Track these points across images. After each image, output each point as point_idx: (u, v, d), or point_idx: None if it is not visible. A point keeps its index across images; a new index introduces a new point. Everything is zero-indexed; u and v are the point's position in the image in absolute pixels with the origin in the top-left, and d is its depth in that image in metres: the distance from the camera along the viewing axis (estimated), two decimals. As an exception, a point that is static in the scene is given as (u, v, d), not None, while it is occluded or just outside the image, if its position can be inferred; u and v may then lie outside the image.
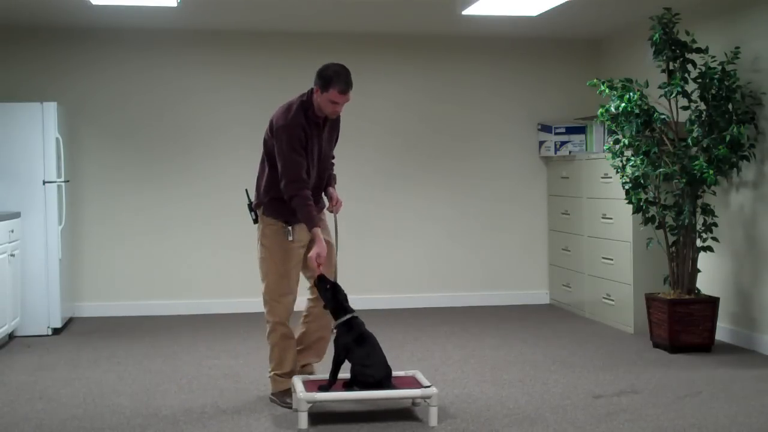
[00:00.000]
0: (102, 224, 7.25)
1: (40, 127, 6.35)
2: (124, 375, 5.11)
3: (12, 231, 6.04)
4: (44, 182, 6.37)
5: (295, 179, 4.28)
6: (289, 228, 4.36)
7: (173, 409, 4.37)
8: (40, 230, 6.37)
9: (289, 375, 4.45)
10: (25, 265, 6.34)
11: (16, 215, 6.17)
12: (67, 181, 6.74)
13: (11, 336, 6.27)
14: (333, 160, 4.69)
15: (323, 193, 4.62)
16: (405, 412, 4.28)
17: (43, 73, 7.14)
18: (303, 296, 4.60)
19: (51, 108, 6.37)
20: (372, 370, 4.12)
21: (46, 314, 6.35)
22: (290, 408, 4.31)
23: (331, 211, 4.57)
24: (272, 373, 4.49)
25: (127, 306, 7.27)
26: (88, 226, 7.23)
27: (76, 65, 7.19)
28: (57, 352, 5.79)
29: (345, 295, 4.27)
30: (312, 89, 4.37)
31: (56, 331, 6.45)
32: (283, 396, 4.44)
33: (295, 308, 4.52)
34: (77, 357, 5.63)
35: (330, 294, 4.24)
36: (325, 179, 4.58)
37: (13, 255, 6.06)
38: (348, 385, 4.19)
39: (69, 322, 6.88)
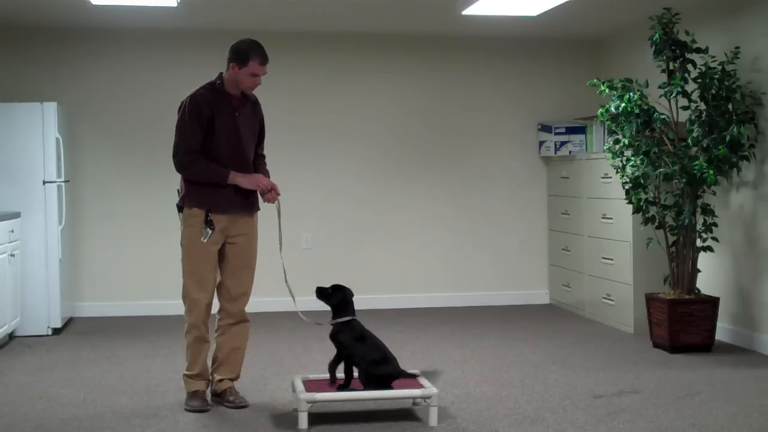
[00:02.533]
0: (102, 224, 7.25)
1: (40, 127, 6.35)
2: (124, 375, 5.11)
3: (12, 231, 6.04)
4: (44, 182, 6.37)
5: (189, 150, 4.24)
6: (208, 230, 4.27)
7: (173, 409, 4.37)
8: (40, 230, 6.37)
9: (198, 377, 4.39)
10: (25, 265, 6.34)
11: (16, 215, 6.17)
12: (67, 181, 6.74)
13: (11, 336, 6.27)
14: (264, 160, 4.59)
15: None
16: (405, 412, 4.28)
17: (43, 73, 7.14)
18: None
19: (51, 108, 6.37)
20: (385, 367, 4.10)
21: (46, 314, 6.35)
22: (192, 411, 4.28)
23: (266, 201, 4.38)
24: (183, 372, 4.46)
25: (127, 306, 7.27)
26: (88, 226, 7.23)
27: (76, 65, 7.20)
28: (57, 352, 5.79)
29: (348, 296, 4.24)
30: (221, 73, 4.35)
31: (56, 331, 6.45)
32: (189, 398, 4.38)
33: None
34: (77, 357, 5.63)
35: (329, 296, 4.21)
36: (248, 168, 4.37)
37: (13, 255, 6.06)
38: (342, 387, 4.18)
39: (69, 322, 6.88)
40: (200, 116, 4.24)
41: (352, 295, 4.26)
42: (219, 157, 4.28)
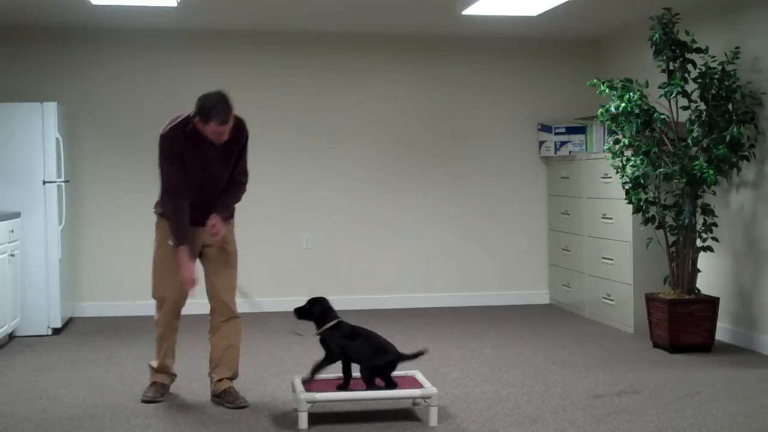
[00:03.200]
0: (102, 224, 7.25)
1: (40, 127, 6.35)
2: (124, 375, 5.11)
3: (12, 231, 6.04)
4: (44, 182, 6.37)
5: (169, 190, 4.36)
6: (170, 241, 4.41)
7: (173, 409, 4.37)
8: (40, 230, 6.37)
9: (157, 371, 4.59)
10: (25, 265, 6.34)
11: (16, 215, 6.17)
12: (67, 181, 6.74)
13: (11, 336, 6.27)
14: (243, 186, 4.56)
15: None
16: (405, 412, 4.28)
17: (43, 73, 7.14)
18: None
19: (51, 108, 6.37)
20: (383, 356, 4.11)
21: (46, 314, 6.35)
22: (146, 401, 4.45)
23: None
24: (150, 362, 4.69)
25: (127, 306, 7.26)
26: (88, 226, 7.24)
27: (76, 65, 7.20)
28: (57, 352, 5.79)
29: (327, 304, 4.26)
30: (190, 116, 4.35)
31: (56, 331, 6.45)
32: (148, 388, 4.57)
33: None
34: (77, 357, 5.63)
35: (309, 310, 4.24)
36: (215, 201, 4.45)
37: (13, 255, 6.06)
38: (341, 387, 4.19)
39: (69, 322, 6.88)
40: (174, 155, 4.31)
41: (329, 301, 4.28)
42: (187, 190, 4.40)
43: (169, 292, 4.49)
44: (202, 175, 4.37)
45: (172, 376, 4.68)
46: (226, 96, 4.31)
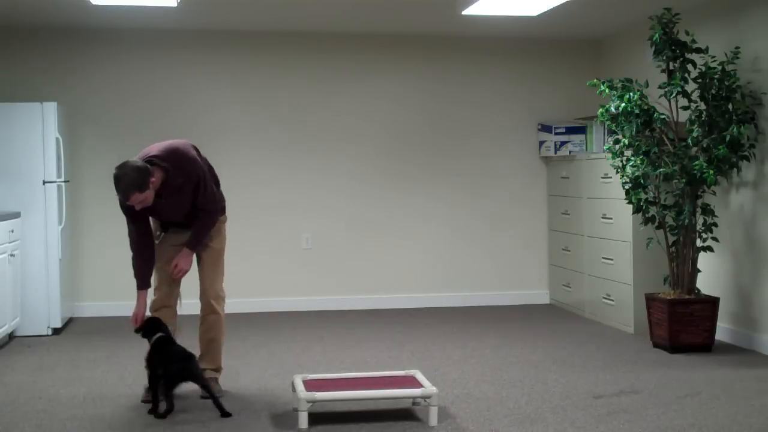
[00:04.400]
0: (102, 224, 7.25)
1: (40, 127, 6.35)
2: (124, 375, 5.11)
3: (12, 231, 6.04)
4: (44, 182, 6.37)
5: (130, 238, 4.62)
6: (157, 233, 4.69)
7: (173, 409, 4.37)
8: (40, 230, 6.37)
9: None
10: (25, 265, 6.34)
11: (16, 215, 6.17)
12: (67, 181, 6.74)
13: (11, 336, 6.27)
14: (212, 214, 4.61)
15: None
16: (405, 412, 4.28)
17: (43, 73, 7.14)
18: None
19: (51, 108, 6.36)
20: (163, 370, 4.21)
21: (46, 314, 6.35)
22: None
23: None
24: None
25: (127, 306, 7.25)
26: (88, 226, 7.24)
27: (76, 65, 7.20)
28: (57, 352, 5.79)
29: (154, 323, 4.42)
30: None
31: (56, 331, 6.45)
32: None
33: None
34: (77, 357, 5.63)
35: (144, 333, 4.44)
36: (184, 219, 4.59)
37: (13, 255, 6.06)
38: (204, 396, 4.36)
39: (69, 322, 6.88)
40: (125, 211, 4.51)
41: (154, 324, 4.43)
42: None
43: (158, 289, 4.75)
44: (162, 213, 4.56)
45: None
46: (122, 175, 4.21)
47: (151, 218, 4.60)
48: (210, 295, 4.71)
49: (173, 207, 4.50)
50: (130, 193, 4.21)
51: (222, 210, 4.73)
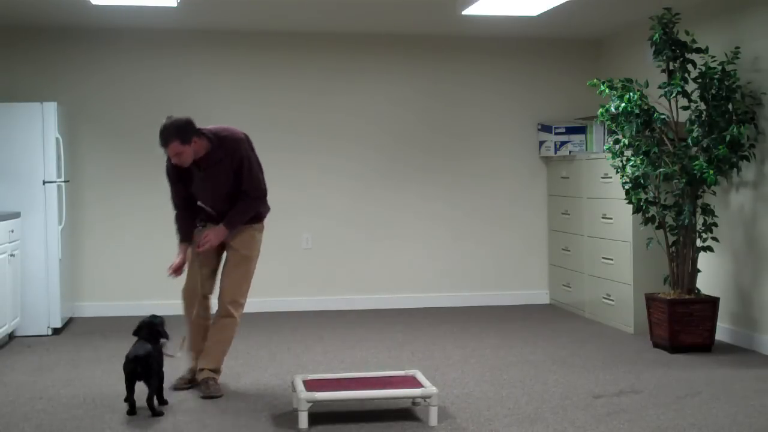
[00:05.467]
0: (102, 224, 7.25)
1: (40, 127, 6.35)
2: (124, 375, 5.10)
3: (12, 231, 6.04)
4: (44, 182, 6.37)
5: (173, 202, 4.84)
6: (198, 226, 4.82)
7: (173, 409, 4.37)
8: (40, 230, 6.37)
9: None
10: (25, 265, 6.34)
11: (16, 215, 6.17)
12: (67, 181, 6.74)
13: (11, 336, 6.27)
14: (250, 200, 4.68)
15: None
16: (405, 412, 4.28)
17: (43, 73, 7.14)
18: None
19: (51, 108, 6.37)
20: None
21: (46, 314, 6.36)
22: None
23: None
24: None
25: (127, 306, 7.27)
26: (88, 226, 7.24)
27: (76, 65, 7.20)
28: (57, 352, 5.80)
29: (146, 324, 4.43)
30: None
31: (56, 331, 6.45)
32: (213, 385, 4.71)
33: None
34: (77, 357, 5.63)
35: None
36: (221, 208, 4.70)
37: (13, 255, 6.06)
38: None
39: (69, 322, 6.88)
40: (170, 177, 4.75)
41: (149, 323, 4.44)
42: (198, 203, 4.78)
43: (191, 290, 4.79)
44: (201, 192, 4.68)
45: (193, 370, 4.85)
46: (168, 123, 4.49)
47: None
48: (227, 299, 4.72)
49: (211, 185, 4.60)
50: (171, 140, 4.43)
51: (263, 202, 4.75)
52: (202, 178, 4.62)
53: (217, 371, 4.73)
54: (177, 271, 4.69)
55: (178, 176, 4.68)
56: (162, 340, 4.43)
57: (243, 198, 4.66)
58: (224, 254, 4.82)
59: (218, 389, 4.63)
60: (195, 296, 4.78)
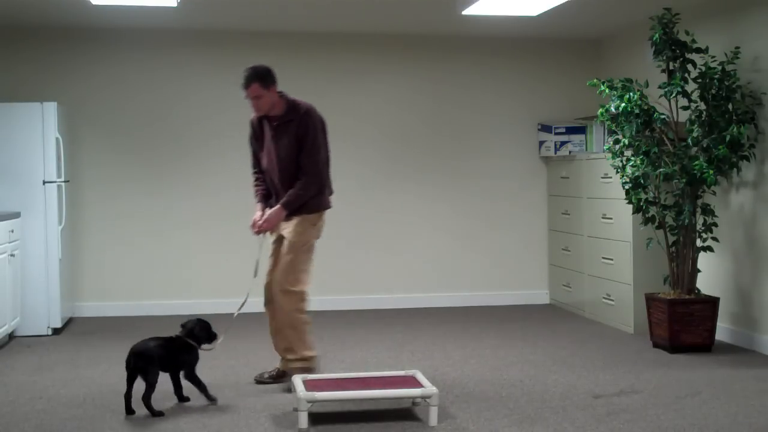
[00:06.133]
0: (102, 224, 7.25)
1: (40, 127, 6.35)
2: (124, 375, 5.09)
3: (12, 231, 6.04)
4: (44, 182, 6.37)
5: (251, 166, 5.01)
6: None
7: (173, 409, 4.37)
8: (40, 230, 6.37)
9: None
10: (25, 265, 6.34)
11: (16, 215, 6.17)
12: (67, 181, 6.74)
13: (11, 336, 6.27)
14: (302, 184, 4.73)
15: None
16: (405, 412, 4.28)
17: (43, 73, 7.14)
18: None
19: (51, 108, 6.37)
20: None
21: (46, 314, 6.36)
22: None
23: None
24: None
25: (127, 306, 7.27)
26: (88, 226, 7.24)
27: (76, 65, 7.20)
28: (57, 352, 5.79)
29: (191, 326, 4.48)
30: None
31: (56, 331, 6.45)
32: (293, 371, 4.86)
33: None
34: (77, 357, 5.63)
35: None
36: (279, 182, 4.79)
37: (13, 255, 6.06)
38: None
39: (69, 322, 6.88)
40: (251, 136, 4.96)
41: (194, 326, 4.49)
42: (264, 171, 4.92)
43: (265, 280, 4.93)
44: (268, 157, 4.80)
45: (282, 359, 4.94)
46: (252, 66, 4.75)
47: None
48: (276, 287, 4.80)
49: (276, 148, 4.72)
50: (252, 81, 4.66)
51: (320, 188, 4.78)
52: (271, 138, 4.76)
53: (302, 359, 4.80)
54: (255, 226, 4.79)
55: (256, 138, 4.87)
56: (203, 345, 4.46)
57: (300, 177, 4.72)
58: None
59: (311, 370, 4.78)
60: (269, 288, 4.88)
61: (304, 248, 4.79)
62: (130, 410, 4.26)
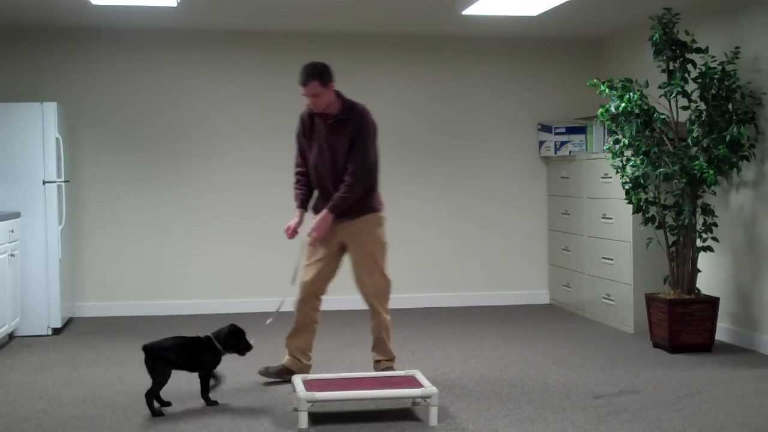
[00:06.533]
0: (102, 224, 7.25)
1: (40, 127, 6.35)
2: (124, 375, 5.11)
3: (12, 231, 6.04)
4: (44, 182, 6.37)
5: (294, 165, 4.95)
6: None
7: (173, 409, 4.37)
8: (40, 230, 6.37)
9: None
10: (25, 265, 6.34)
11: (16, 215, 6.17)
12: (67, 181, 6.74)
13: (11, 336, 6.27)
14: (347, 186, 4.73)
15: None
16: (405, 412, 4.28)
17: (43, 73, 7.14)
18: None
19: (51, 108, 6.37)
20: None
21: (46, 314, 6.36)
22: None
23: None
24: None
25: (127, 306, 7.27)
26: (88, 226, 7.24)
27: (76, 65, 7.20)
28: (57, 352, 5.80)
29: (221, 331, 4.48)
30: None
31: (56, 331, 6.45)
32: None
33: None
34: (77, 357, 5.63)
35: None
36: (331, 181, 4.78)
37: (13, 255, 6.06)
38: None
39: (69, 322, 6.88)
40: (297, 137, 4.91)
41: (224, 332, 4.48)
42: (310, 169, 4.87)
43: (306, 283, 4.88)
44: (318, 155, 4.76)
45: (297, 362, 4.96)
46: (310, 63, 4.73)
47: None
48: (364, 295, 4.90)
49: (329, 146, 4.72)
50: (311, 79, 4.63)
51: (367, 187, 4.81)
52: (324, 136, 4.74)
53: (391, 359, 4.91)
54: (289, 231, 4.78)
55: (304, 135, 4.83)
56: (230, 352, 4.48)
57: (345, 178, 4.71)
58: (342, 255, 4.96)
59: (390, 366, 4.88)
60: (307, 292, 4.86)
61: (383, 250, 4.90)
62: (158, 408, 4.28)
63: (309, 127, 4.83)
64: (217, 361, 4.44)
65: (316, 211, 4.87)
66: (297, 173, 4.91)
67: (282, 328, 6.48)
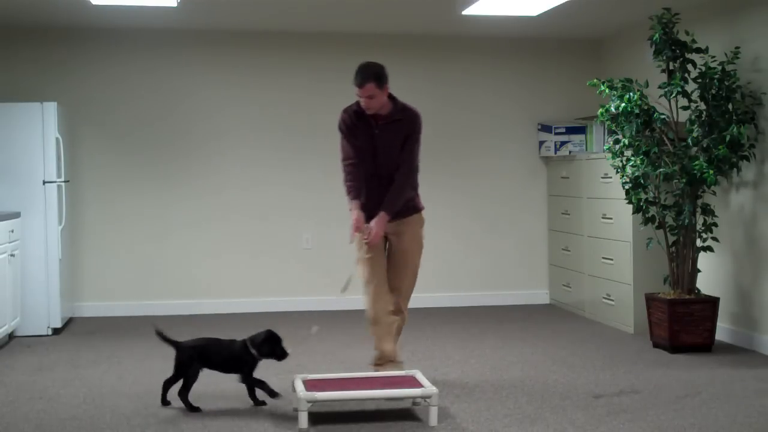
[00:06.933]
0: (102, 224, 7.25)
1: (40, 127, 6.35)
2: (124, 375, 5.11)
3: (12, 231, 6.04)
4: (44, 182, 6.37)
5: (342, 159, 4.82)
6: (366, 225, 4.76)
7: (173, 409, 4.37)
8: (40, 230, 6.37)
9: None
10: (25, 265, 6.34)
11: (16, 215, 6.17)
12: (67, 181, 6.74)
13: (11, 336, 6.27)
14: (398, 184, 4.77)
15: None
16: (405, 412, 4.28)
17: (43, 73, 7.14)
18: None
19: (51, 108, 6.37)
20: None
21: (46, 314, 6.36)
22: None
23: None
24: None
25: (127, 306, 7.27)
26: (88, 226, 7.24)
27: (76, 65, 7.20)
28: (57, 352, 5.80)
29: (256, 336, 4.45)
30: None
31: (56, 331, 6.45)
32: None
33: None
34: (77, 357, 5.63)
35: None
36: (384, 181, 4.76)
37: (13, 255, 6.06)
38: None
39: (69, 322, 6.88)
40: (343, 130, 4.81)
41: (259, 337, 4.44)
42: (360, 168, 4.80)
43: (369, 283, 4.85)
44: (370, 150, 4.73)
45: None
46: (367, 63, 4.70)
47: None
48: (396, 290, 4.89)
49: (382, 145, 4.71)
50: (368, 80, 4.60)
51: (414, 186, 4.87)
52: (374, 137, 4.71)
53: (390, 359, 4.83)
54: (358, 230, 4.77)
55: (351, 132, 4.76)
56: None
57: (396, 178, 4.73)
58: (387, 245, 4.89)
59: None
60: (381, 290, 4.82)
61: (420, 251, 4.96)
62: (192, 407, 4.32)
63: (355, 126, 4.78)
64: (251, 366, 4.40)
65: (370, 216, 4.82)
66: (349, 164, 4.79)
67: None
